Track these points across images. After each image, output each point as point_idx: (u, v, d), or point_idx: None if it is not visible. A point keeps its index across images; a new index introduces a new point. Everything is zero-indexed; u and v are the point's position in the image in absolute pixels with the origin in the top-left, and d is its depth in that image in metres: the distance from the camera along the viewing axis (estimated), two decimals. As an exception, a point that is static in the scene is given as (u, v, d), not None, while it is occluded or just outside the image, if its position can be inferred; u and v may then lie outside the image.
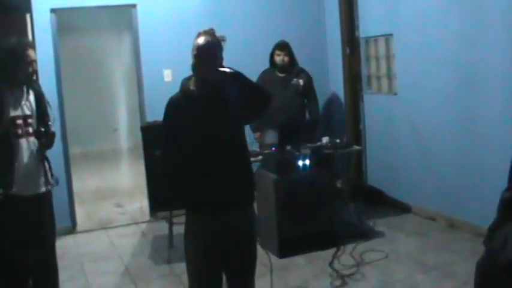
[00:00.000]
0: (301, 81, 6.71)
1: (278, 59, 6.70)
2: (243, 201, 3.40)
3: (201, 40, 3.22)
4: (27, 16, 6.59)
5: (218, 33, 3.32)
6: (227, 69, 3.22)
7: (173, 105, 3.33)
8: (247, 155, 3.53)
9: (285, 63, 6.69)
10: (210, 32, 3.27)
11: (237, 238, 3.38)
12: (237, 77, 3.24)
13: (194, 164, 3.26)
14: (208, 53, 3.20)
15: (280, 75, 6.73)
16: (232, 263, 3.43)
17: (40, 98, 4.29)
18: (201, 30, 3.30)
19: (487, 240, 1.37)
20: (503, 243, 1.27)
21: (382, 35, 7.24)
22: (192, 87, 3.28)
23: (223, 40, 3.28)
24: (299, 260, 5.54)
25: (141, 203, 7.67)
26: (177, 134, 3.29)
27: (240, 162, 3.38)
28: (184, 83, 3.34)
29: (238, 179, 3.34)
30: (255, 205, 3.67)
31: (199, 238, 3.33)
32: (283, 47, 6.70)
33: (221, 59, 3.28)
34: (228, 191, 3.27)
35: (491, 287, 1.37)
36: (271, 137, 6.47)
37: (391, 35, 7.02)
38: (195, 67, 3.23)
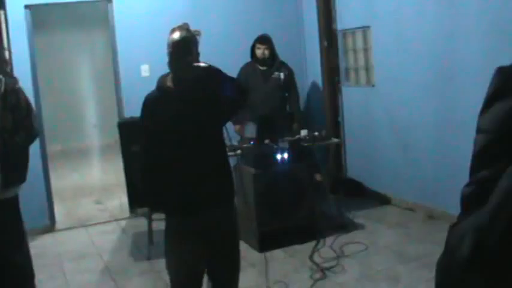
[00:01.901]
0: (282, 75, 6.71)
1: (259, 52, 6.68)
2: (222, 198, 3.37)
3: (176, 35, 3.19)
4: (1, 13, 6.52)
5: (193, 28, 3.29)
6: (202, 64, 3.20)
7: (149, 103, 3.30)
8: (225, 152, 3.51)
9: (265, 57, 6.67)
10: (184, 27, 3.23)
11: (220, 236, 3.36)
12: (213, 72, 3.22)
13: (172, 162, 3.24)
14: (183, 49, 3.18)
15: (261, 68, 6.72)
16: (215, 261, 3.41)
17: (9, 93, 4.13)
18: (175, 25, 3.27)
19: (448, 234, 1.36)
20: (460, 240, 1.26)
21: (359, 28, 7.25)
22: (168, 83, 3.24)
23: (198, 35, 3.25)
24: (279, 253, 5.55)
25: (120, 199, 7.62)
26: (155, 132, 3.26)
27: (218, 159, 3.36)
28: (161, 80, 3.30)
29: (216, 177, 3.32)
30: (235, 199, 3.65)
31: (180, 238, 3.30)
32: (264, 40, 6.68)
33: (197, 54, 3.26)
34: (207, 189, 3.25)
35: (452, 285, 1.36)
36: (251, 129, 6.46)
37: (368, 27, 7.03)
38: (170, 64, 3.21)
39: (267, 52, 6.66)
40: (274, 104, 6.64)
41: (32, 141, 4.34)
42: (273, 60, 6.73)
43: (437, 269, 1.43)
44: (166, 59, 3.24)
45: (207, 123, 3.27)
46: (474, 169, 1.36)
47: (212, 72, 3.23)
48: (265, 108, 6.43)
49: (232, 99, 3.33)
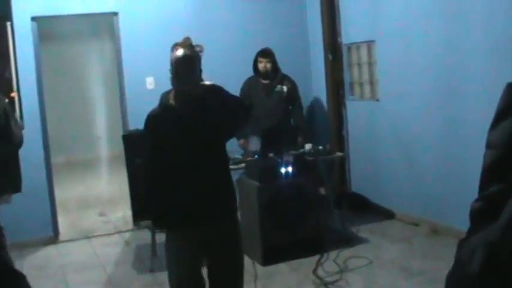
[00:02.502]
0: (284, 88, 6.69)
1: (261, 66, 6.68)
2: (224, 211, 3.38)
3: (179, 53, 3.18)
4: (8, 24, 6.55)
5: (197, 42, 3.29)
6: (207, 83, 3.21)
7: (152, 120, 3.30)
8: (228, 166, 3.52)
9: (268, 70, 6.67)
10: (186, 43, 3.23)
11: (222, 249, 3.35)
12: (216, 90, 3.23)
13: (174, 177, 3.23)
14: (187, 67, 3.17)
15: (263, 82, 6.72)
16: (219, 274, 3.41)
17: None
18: (178, 41, 3.26)
19: (457, 249, 1.36)
20: (471, 255, 1.26)
21: (364, 42, 7.26)
22: (171, 101, 3.24)
23: (201, 51, 3.25)
24: (283, 267, 5.52)
25: (124, 211, 7.62)
26: (157, 148, 3.26)
27: (220, 173, 3.36)
28: (164, 96, 3.30)
29: (219, 190, 3.32)
30: (238, 213, 3.65)
31: (181, 250, 3.29)
32: (266, 54, 6.68)
33: (200, 71, 3.25)
34: (209, 203, 3.25)
35: None
36: (255, 143, 6.45)
37: (373, 41, 7.04)
38: (174, 80, 3.21)
39: (269, 66, 6.66)
40: (278, 117, 6.63)
41: (14, 149, 4.23)
42: (275, 74, 6.73)
43: (447, 284, 1.42)
44: (168, 75, 3.24)
45: (210, 140, 3.27)
46: (483, 184, 1.35)
47: (215, 90, 3.24)
48: (269, 122, 6.43)
49: (235, 116, 3.33)
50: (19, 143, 4.24)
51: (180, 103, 3.21)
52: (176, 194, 3.23)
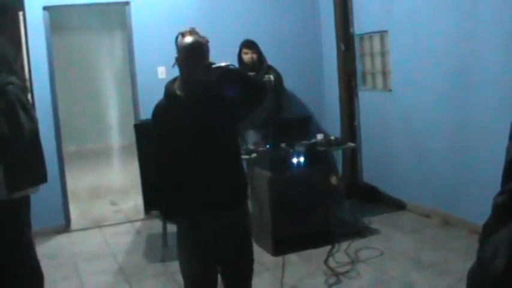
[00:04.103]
0: (272, 77, 6.66)
1: (246, 57, 6.64)
2: (236, 201, 3.36)
3: (189, 40, 3.14)
4: (20, 14, 6.56)
5: (207, 32, 3.27)
6: (222, 64, 3.15)
7: (159, 112, 3.27)
8: (239, 155, 3.50)
9: (254, 61, 6.64)
10: (194, 32, 3.20)
11: (233, 239, 3.33)
12: (230, 72, 3.18)
13: (186, 167, 3.20)
14: (198, 53, 3.13)
15: (250, 73, 6.68)
16: (229, 264, 3.40)
17: None
18: (182, 30, 3.22)
19: (479, 246, 1.32)
20: (494, 253, 1.23)
21: (376, 32, 7.22)
22: (178, 91, 3.20)
23: (207, 41, 3.22)
24: (294, 257, 5.52)
25: (135, 201, 7.63)
26: (167, 140, 3.23)
27: (232, 162, 3.34)
28: (169, 87, 3.25)
29: (230, 179, 3.30)
30: (249, 203, 3.64)
31: (193, 240, 3.29)
32: (250, 45, 6.64)
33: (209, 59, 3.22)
34: (220, 192, 3.23)
35: None
36: (252, 137, 6.45)
37: (385, 31, 7.00)
38: (183, 68, 3.18)
39: (255, 56, 6.64)
40: (269, 107, 6.57)
41: (24, 139, 3.91)
42: (260, 64, 6.70)
43: (468, 281, 1.39)
44: (173, 62, 3.19)
45: (221, 126, 3.25)
46: (507, 177, 1.32)
47: (229, 71, 3.18)
48: (262, 113, 6.37)
49: (249, 97, 3.29)
50: (30, 140, 3.95)
51: (189, 91, 3.18)
52: (186, 182, 3.21)
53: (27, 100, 4.13)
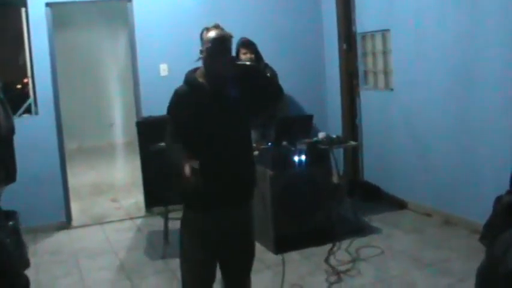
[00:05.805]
0: (268, 75, 6.67)
1: (244, 57, 6.63)
2: (245, 197, 3.38)
3: (214, 33, 3.18)
4: (22, 10, 6.57)
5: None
6: (247, 63, 3.19)
7: (180, 97, 3.26)
8: (252, 151, 3.52)
9: (253, 60, 6.64)
10: (219, 27, 3.24)
11: (236, 234, 3.35)
12: (254, 70, 3.21)
13: (199, 158, 3.14)
14: (222, 46, 3.17)
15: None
16: (230, 259, 3.41)
17: None
18: (208, 26, 3.27)
19: (488, 244, 1.32)
20: (505, 251, 1.23)
21: (379, 31, 7.22)
22: (200, 79, 3.23)
23: (232, 37, 3.26)
24: (295, 256, 5.52)
25: (136, 198, 7.64)
26: (182, 127, 3.23)
27: (245, 158, 3.36)
28: (191, 75, 3.27)
29: (243, 176, 3.32)
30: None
31: (197, 232, 3.29)
32: (247, 44, 6.62)
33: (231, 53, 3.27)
34: (232, 187, 3.25)
35: None
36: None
37: (387, 30, 7.00)
38: (207, 60, 3.20)
39: (252, 56, 6.64)
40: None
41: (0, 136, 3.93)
42: (258, 63, 6.70)
43: (477, 279, 1.39)
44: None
45: (238, 121, 3.28)
46: None
47: (249, 70, 3.22)
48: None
49: (264, 97, 3.32)
50: (5, 136, 3.99)
51: (211, 83, 3.20)
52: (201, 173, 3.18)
53: (3, 97, 4.07)
